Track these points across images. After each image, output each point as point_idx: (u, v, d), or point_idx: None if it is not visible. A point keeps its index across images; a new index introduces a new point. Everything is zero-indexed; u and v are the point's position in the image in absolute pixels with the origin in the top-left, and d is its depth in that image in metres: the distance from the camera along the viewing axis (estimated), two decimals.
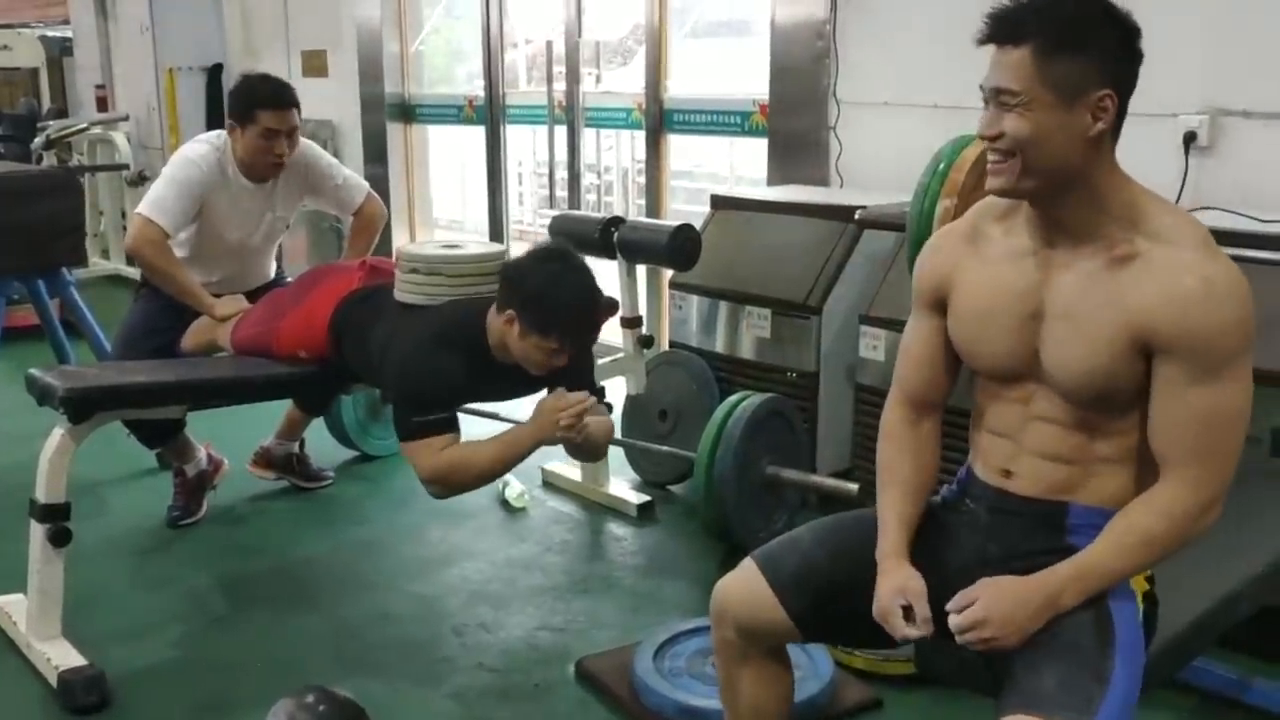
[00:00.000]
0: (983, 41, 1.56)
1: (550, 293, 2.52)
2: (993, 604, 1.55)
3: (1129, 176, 1.59)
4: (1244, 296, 1.51)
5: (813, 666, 2.54)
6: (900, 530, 1.72)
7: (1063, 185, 1.55)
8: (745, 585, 1.81)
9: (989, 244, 1.69)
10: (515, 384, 2.76)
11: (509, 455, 2.63)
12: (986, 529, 1.71)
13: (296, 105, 3.35)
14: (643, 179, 5.23)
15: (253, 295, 3.41)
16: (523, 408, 2.84)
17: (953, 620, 1.57)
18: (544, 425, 2.60)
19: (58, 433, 2.69)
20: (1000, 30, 1.54)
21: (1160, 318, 1.51)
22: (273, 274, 3.70)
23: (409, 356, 2.64)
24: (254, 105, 3.28)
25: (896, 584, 1.66)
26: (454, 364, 2.61)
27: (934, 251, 1.77)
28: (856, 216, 3.34)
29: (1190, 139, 3.22)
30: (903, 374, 1.82)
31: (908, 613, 1.63)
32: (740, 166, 7.00)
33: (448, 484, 2.62)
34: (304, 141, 3.49)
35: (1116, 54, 1.53)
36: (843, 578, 1.75)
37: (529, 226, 8.53)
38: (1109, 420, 1.59)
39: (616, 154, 8.32)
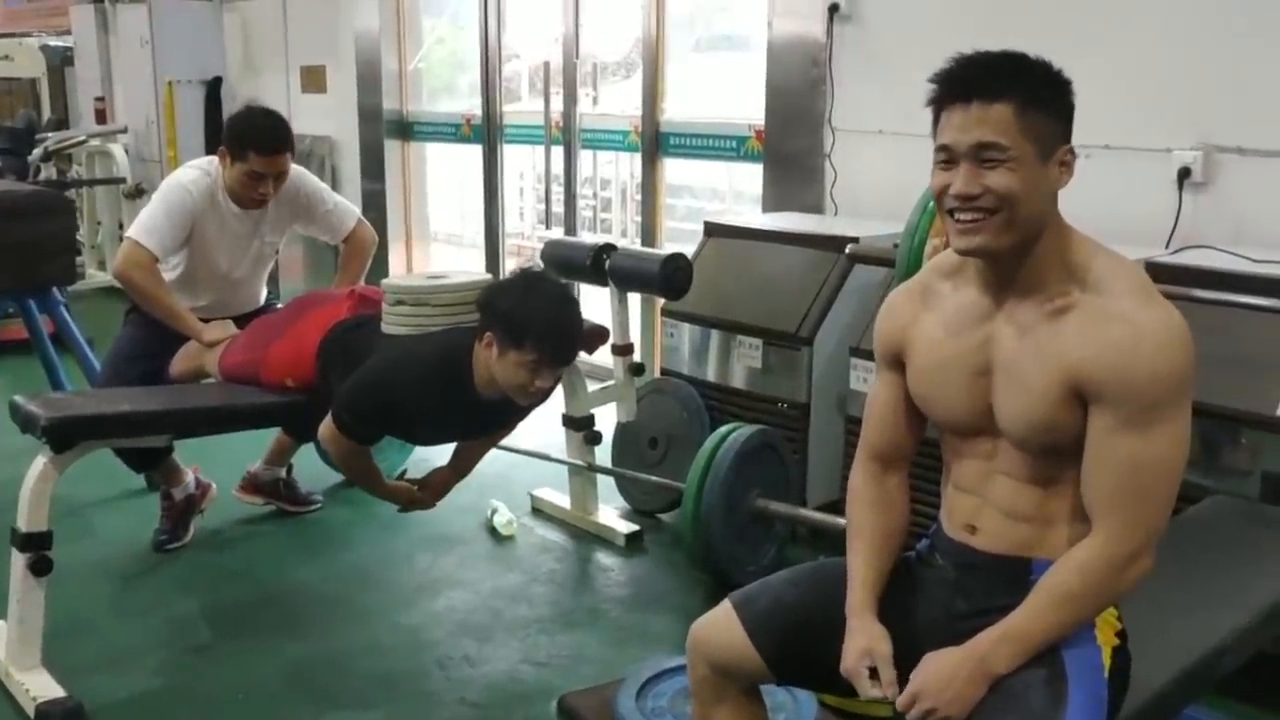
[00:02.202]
0: (951, 100, 1.54)
1: (522, 302, 2.59)
2: (926, 677, 1.57)
3: (1071, 226, 1.61)
4: (1176, 344, 1.51)
5: (795, 707, 2.52)
6: (867, 586, 1.72)
7: (1031, 240, 1.56)
8: (719, 623, 1.82)
9: (940, 301, 1.71)
10: (489, 421, 2.78)
11: (375, 494, 3.02)
12: (954, 584, 1.71)
13: (290, 149, 3.34)
14: (640, 196, 5.23)
15: (242, 321, 3.39)
16: None
17: (899, 702, 1.58)
18: (414, 497, 3.04)
19: (40, 461, 2.69)
20: (974, 86, 1.53)
21: (1089, 365, 1.52)
22: (263, 299, 3.68)
23: (379, 381, 2.72)
24: (246, 145, 3.26)
25: (863, 645, 1.65)
26: (411, 408, 2.71)
27: (889, 312, 1.79)
28: (847, 250, 3.33)
29: (1184, 175, 3.21)
30: (867, 432, 1.83)
31: (874, 673, 1.63)
32: (739, 182, 7.00)
33: (332, 457, 3.07)
34: (295, 167, 3.47)
35: (1069, 109, 1.57)
36: (816, 621, 1.75)
37: (525, 241, 8.52)
38: (1064, 473, 1.60)
39: (615, 169, 8.32)
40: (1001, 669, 1.55)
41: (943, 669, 1.57)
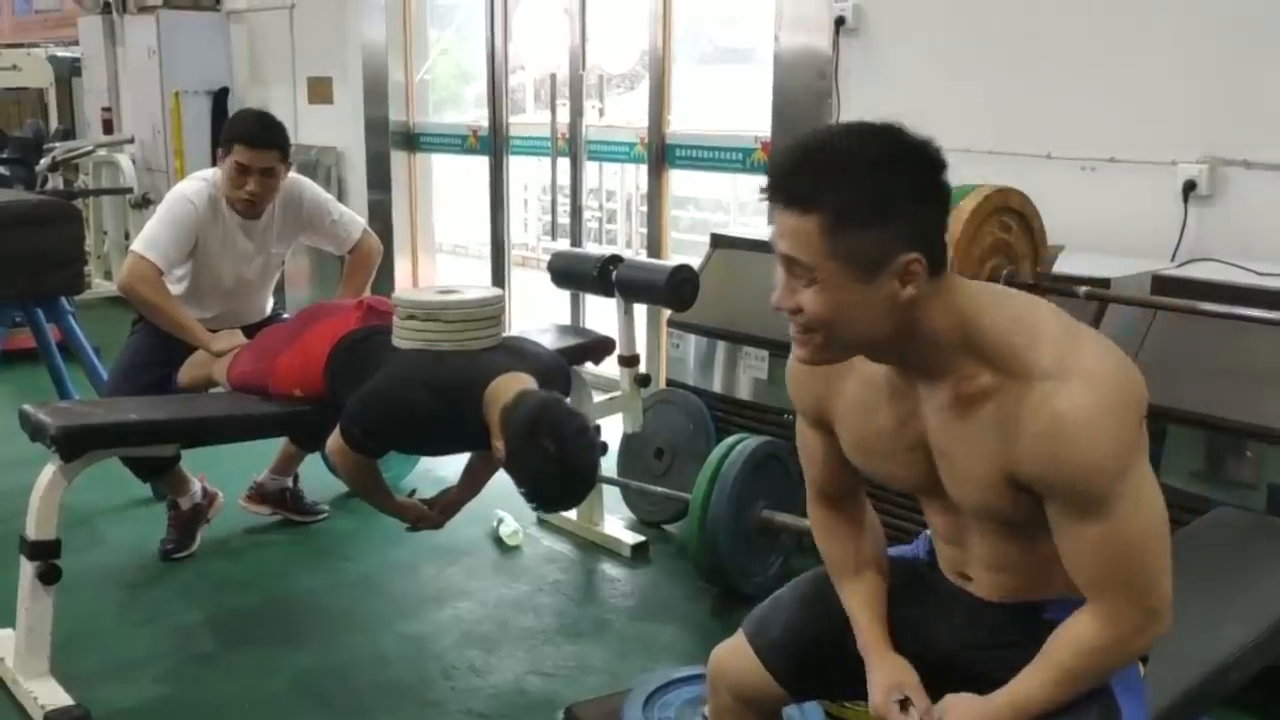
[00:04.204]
0: (767, 198, 1.39)
1: (544, 468, 2.55)
2: None
3: (968, 295, 1.42)
4: (1105, 416, 1.34)
5: (802, 718, 2.52)
6: (873, 621, 1.65)
7: (879, 346, 1.43)
8: (737, 653, 1.78)
9: (849, 371, 1.55)
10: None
11: (383, 510, 3.00)
12: (965, 616, 1.64)
13: (277, 148, 3.32)
14: (646, 207, 5.24)
15: (250, 331, 3.40)
16: None
17: None
18: (422, 515, 3.01)
19: (49, 470, 2.69)
20: (783, 190, 1.37)
21: (1020, 464, 1.39)
22: (269, 309, 3.70)
23: (389, 396, 2.72)
24: (233, 137, 3.29)
25: (890, 680, 1.59)
26: (420, 425, 2.71)
27: (798, 379, 1.63)
28: None
29: (1190, 188, 3.21)
30: (811, 476, 1.73)
31: (905, 705, 1.57)
32: (744, 194, 7.03)
33: (339, 471, 2.99)
34: (300, 178, 3.49)
35: (919, 209, 1.36)
36: (828, 636, 1.71)
37: (531, 252, 8.55)
38: (1042, 525, 1.46)
39: (621, 180, 8.35)
40: None
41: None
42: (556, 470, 2.54)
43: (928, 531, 1.74)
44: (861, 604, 1.67)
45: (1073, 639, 1.45)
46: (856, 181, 1.34)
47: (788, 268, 1.38)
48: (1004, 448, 1.39)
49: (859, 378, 1.54)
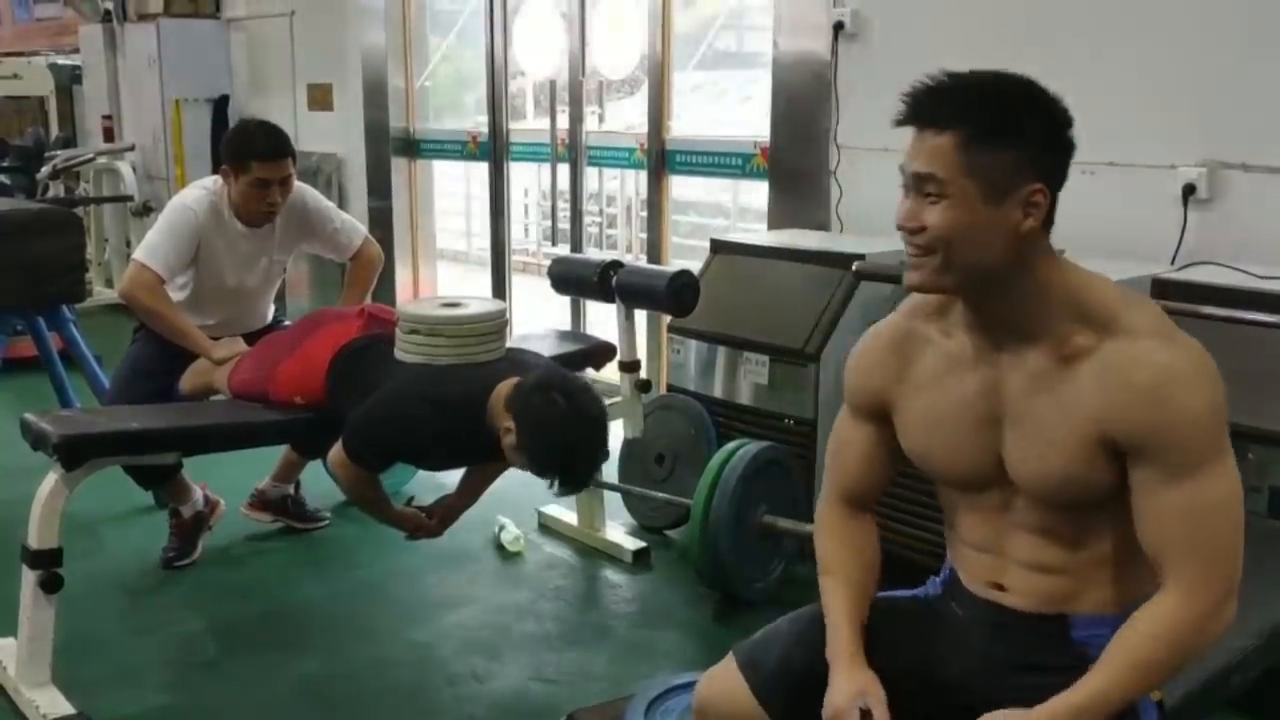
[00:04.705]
0: (902, 122, 1.47)
1: (557, 441, 2.59)
2: None
3: (1069, 263, 1.51)
4: (1206, 379, 1.42)
5: None
6: (853, 632, 1.63)
7: (989, 282, 1.47)
8: (727, 685, 1.72)
9: (927, 348, 1.60)
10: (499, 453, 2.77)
11: (382, 520, 2.97)
12: (987, 635, 1.62)
13: (291, 155, 3.36)
14: (646, 213, 5.24)
15: (251, 338, 3.41)
16: None
17: None
18: (421, 524, 2.99)
19: (51, 478, 2.69)
20: (923, 112, 1.45)
21: (1120, 419, 1.42)
22: (271, 317, 3.70)
23: (393, 413, 2.72)
24: (248, 155, 3.29)
25: (855, 687, 1.56)
26: (424, 441, 2.72)
27: (866, 365, 1.67)
28: (854, 268, 3.33)
29: (1189, 191, 3.21)
30: (839, 476, 1.74)
31: (865, 716, 1.54)
32: (744, 199, 7.04)
33: (340, 482, 3.00)
34: (301, 185, 3.50)
35: (1049, 145, 1.45)
36: (822, 672, 1.64)
37: (531, 258, 8.56)
38: (1093, 522, 1.50)
39: (621, 185, 8.37)
40: None
41: None
42: (571, 425, 2.58)
43: (937, 577, 1.74)
44: (844, 609, 1.65)
45: (1151, 621, 1.45)
46: (994, 108, 1.43)
47: (917, 185, 1.45)
48: (1103, 405, 1.43)
49: (940, 351, 1.58)
